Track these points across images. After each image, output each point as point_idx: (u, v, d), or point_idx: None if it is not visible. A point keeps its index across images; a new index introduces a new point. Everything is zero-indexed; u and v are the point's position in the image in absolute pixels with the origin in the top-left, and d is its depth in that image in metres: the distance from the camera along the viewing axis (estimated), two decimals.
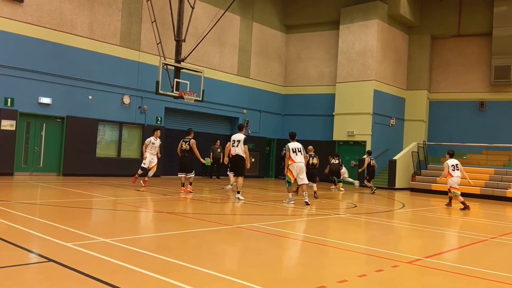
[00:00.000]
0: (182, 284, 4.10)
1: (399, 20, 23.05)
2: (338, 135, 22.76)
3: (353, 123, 22.19)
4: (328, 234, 8.04)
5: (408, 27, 23.91)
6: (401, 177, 20.69)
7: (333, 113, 22.94)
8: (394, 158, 20.79)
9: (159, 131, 14.19)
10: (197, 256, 5.35)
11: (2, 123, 15.14)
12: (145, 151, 13.83)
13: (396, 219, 10.77)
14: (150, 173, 13.83)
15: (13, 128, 15.42)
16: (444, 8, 23.17)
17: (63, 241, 5.60)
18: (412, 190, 20.02)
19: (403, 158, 20.89)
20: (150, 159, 13.77)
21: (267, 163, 24.91)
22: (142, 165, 13.85)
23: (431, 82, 24.11)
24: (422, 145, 21.76)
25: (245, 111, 23.02)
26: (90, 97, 17.26)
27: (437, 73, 24.02)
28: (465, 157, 21.38)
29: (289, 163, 11.46)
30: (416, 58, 23.97)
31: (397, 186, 20.36)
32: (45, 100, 16.11)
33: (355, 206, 12.62)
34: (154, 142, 13.87)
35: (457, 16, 22.92)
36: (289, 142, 11.82)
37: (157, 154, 13.98)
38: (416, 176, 20.60)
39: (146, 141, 14.02)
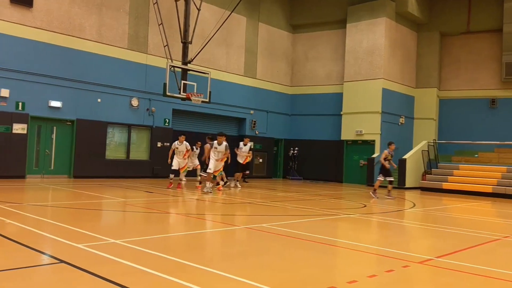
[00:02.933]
0: (191, 285, 4.11)
1: (407, 18, 22.90)
2: (347, 134, 22.67)
3: (362, 122, 22.09)
4: (337, 234, 8.01)
5: (416, 24, 23.74)
6: (411, 176, 20.56)
7: (341, 113, 22.86)
8: (404, 157, 20.66)
9: (183, 136, 14.67)
10: (206, 257, 5.36)
11: (14, 127, 15.31)
12: (170, 155, 14.62)
13: (406, 218, 10.70)
14: (182, 176, 14.84)
15: (25, 132, 15.59)
16: (453, 5, 22.98)
17: (74, 242, 5.65)
18: (423, 189, 19.87)
19: (413, 157, 20.76)
20: (178, 162, 14.51)
21: (275, 164, 24.90)
22: (172, 167, 14.52)
23: (441, 80, 23.92)
24: (432, 144, 21.59)
25: (252, 111, 23.03)
26: (99, 100, 17.39)
27: (446, 71, 23.82)
28: (476, 156, 21.18)
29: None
30: (425, 56, 23.80)
31: (407, 185, 20.23)
32: (55, 103, 16.26)
33: (365, 206, 12.56)
34: (178, 146, 14.52)
35: (466, 13, 22.72)
36: (213, 142, 13.70)
37: (184, 157, 14.64)
38: (426, 175, 20.45)
39: (172, 146, 14.70)
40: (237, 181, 16.38)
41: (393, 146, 14.58)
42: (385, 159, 14.35)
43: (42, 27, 15.90)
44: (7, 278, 4.20)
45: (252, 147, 17.45)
